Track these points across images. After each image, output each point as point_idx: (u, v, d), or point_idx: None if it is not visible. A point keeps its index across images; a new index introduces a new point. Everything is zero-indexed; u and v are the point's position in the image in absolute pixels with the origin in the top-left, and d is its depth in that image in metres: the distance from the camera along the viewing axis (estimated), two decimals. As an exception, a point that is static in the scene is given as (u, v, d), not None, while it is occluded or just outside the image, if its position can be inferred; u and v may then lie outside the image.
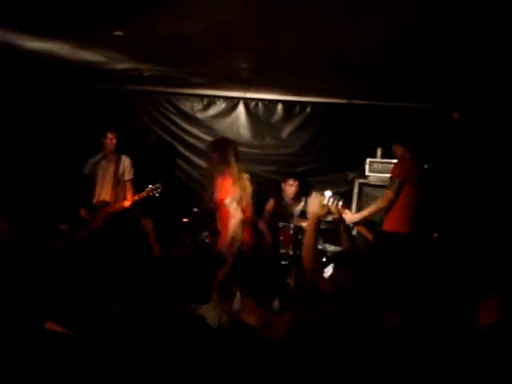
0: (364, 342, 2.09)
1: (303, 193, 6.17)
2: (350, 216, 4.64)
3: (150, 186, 5.31)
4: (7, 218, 4.15)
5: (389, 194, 4.56)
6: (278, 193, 6.19)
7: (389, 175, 4.78)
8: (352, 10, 3.09)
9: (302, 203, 6.02)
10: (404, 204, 4.57)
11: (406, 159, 4.73)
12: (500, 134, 5.57)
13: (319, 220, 3.13)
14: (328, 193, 4.74)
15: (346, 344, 2.08)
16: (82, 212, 5.43)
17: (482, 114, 5.66)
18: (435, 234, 5.19)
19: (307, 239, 3.03)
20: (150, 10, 3.40)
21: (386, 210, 4.65)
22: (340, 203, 4.61)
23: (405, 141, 4.79)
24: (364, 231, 4.78)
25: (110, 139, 5.64)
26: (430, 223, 4.96)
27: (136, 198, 5.40)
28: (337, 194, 4.71)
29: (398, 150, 4.84)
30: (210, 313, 2.59)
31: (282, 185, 6.24)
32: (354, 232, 5.19)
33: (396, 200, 4.58)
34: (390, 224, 4.63)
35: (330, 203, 4.61)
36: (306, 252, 3.00)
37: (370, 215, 4.67)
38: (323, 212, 3.16)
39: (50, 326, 1.90)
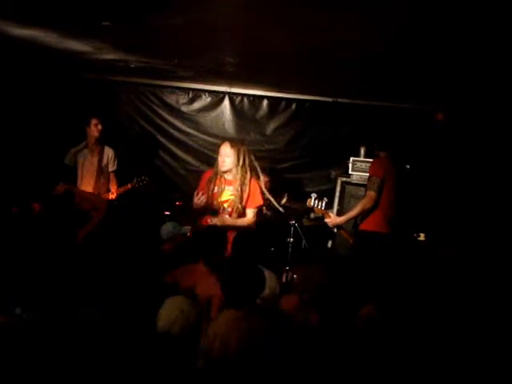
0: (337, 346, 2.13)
1: (284, 188, 6.21)
2: (333, 218, 4.63)
3: (136, 179, 5.26)
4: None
5: (372, 194, 4.44)
6: None
7: None
8: (338, 7, 3.11)
9: (285, 199, 6.02)
10: (382, 203, 4.49)
11: (383, 157, 4.66)
12: (485, 135, 5.64)
13: None
14: (314, 194, 4.78)
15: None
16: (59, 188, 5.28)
17: (466, 115, 5.72)
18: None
19: None
20: (139, 0, 3.39)
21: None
22: (323, 205, 4.67)
23: (382, 144, 4.76)
24: (344, 234, 4.78)
25: (95, 125, 5.44)
26: (409, 223, 4.99)
27: (121, 190, 5.32)
28: (321, 196, 4.76)
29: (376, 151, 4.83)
30: None
31: None
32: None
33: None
34: (369, 224, 4.54)
35: (314, 205, 4.67)
36: None
37: (354, 217, 4.62)
38: None
39: None
